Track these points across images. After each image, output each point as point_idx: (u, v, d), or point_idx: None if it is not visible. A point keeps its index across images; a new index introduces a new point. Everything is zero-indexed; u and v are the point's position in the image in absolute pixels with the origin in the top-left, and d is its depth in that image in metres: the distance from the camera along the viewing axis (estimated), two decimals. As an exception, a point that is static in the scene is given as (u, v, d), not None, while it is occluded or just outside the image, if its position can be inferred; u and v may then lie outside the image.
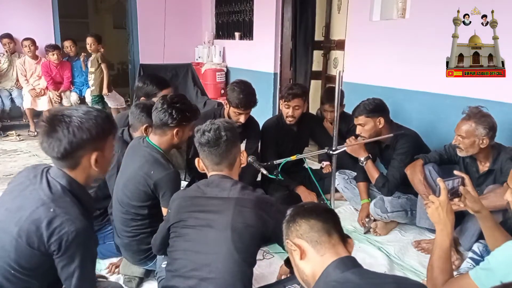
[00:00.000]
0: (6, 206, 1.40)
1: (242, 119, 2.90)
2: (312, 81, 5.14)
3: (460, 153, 2.42)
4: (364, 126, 2.80)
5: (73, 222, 1.31)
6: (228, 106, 2.93)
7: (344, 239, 1.24)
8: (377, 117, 2.77)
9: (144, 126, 2.32)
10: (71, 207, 1.34)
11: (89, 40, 5.27)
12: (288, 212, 1.29)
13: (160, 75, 3.39)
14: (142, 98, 2.84)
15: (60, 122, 1.36)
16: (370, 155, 2.88)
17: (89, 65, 5.42)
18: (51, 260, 1.33)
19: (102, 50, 5.52)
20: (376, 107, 2.78)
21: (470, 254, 2.19)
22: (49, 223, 1.29)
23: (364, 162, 2.86)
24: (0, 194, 1.55)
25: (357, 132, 2.86)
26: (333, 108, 3.40)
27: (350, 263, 1.17)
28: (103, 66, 5.26)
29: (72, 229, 1.30)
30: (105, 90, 5.33)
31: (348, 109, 3.08)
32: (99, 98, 5.39)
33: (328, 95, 3.51)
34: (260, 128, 3.32)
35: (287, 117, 3.14)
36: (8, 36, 5.36)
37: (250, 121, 3.11)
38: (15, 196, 1.40)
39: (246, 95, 2.85)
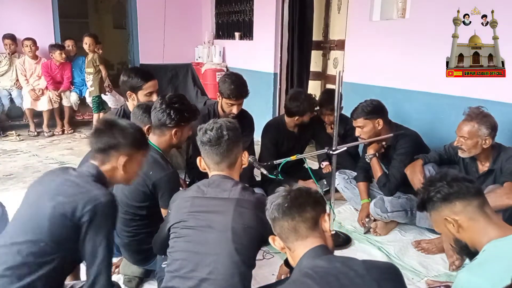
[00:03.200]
0: (38, 189, 1.59)
1: (234, 110, 2.92)
2: (312, 82, 5.14)
3: (462, 155, 2.41)
4: (363, 128, 2.80)
5: (105, 195, 1.51)
6: (220, 98, 2.96)
7: None
8: (375, 118, 2.78)
9: (147, 127, 2.32)
10: (100, 186, 1.56)
11: (87, 40, 5.25)
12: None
13: (143, 68, 3.36)
14: (128, 92, 2.80)
15: (110, 126, 1.65)
16: (376, 153, 2.89)
17: (85, 65, 5.42)
18: (78, 233, 1.48)
19: (100, 51, 5.53)
20: (374, 109, 2.78)
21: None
22: (85, 196, 1.49)
23: (370, 159, 2.87)
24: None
25: (356, 134, 2.86)
26: (330, 111, 3.42)
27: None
28: (101, 67, 5.25)
29: (105, 200, 1.49)
30: (103, 91, 5.34)
31: (347, 110, 3.08)
32: (99, 99, 5.39)
33: (326, 98, 3.49)
34: (262, 126, 3.33)
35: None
36: (11, 37, 5.36)
37: (244, 115, 3.12)
38: (46, 183, 1.60)
39: (237, 86, 2.89)
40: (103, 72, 5.28)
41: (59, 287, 1.60)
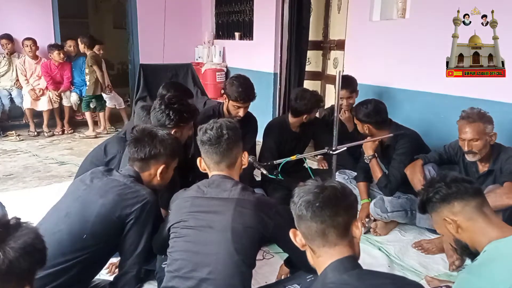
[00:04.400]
0: (85, 186, 1.72)
1: (241, 112, 2.91)
2: (312, 81, 5.14)
3: (473, 158, 2.39)
4: (358, 126, 2.93)
5: (150, 194, 1.67)
6: (227, 100, 2.95)
7: None
8: (364, 123, 2.84)
9: None
10: (144, 186, 1.72)
11: (78, 40, 5.37)
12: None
13: (185, 85, 3.43)
14: None
15: (150, 136, 1.76)
16: (376, 153, 2.89)
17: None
18: (121, 228, 1.64)
19: (101, 51, 5.52)
20: (364, 115, 2.82)
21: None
22: (134, 195, 1.65)
23: (369, 160, 2.87)
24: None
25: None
26: (349, 94, 3.45)
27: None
28: (94, 67, 5.22)
29: (152, 199, 1.66)
30: (98, 91, 5.32)
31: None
32: (91, 98, 5.35)
33: (342, 82, 3.51)
34: (263, 126, 3.32)
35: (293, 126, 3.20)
36: (6, 37, 5.36)
37: (249, 117, 3.11)
38: (92, 181, 1.72)
39: (245, 89, 2.87)
40: (97, 73, 5.25)
41: (89, 279, 1.75)
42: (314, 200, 1.15)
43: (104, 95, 5.61)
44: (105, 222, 1.62)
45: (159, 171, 1.79)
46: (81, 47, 5.31)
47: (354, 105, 2.97)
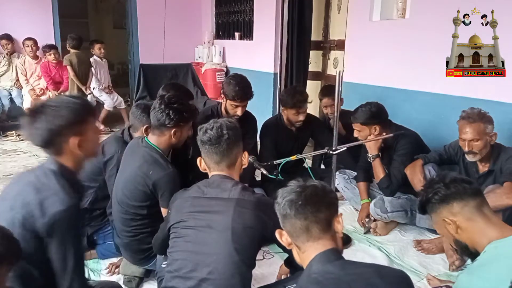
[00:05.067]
0: (7, 196, 1.46)
1: (239, 111, 2.91)
2: (312, 81, 5.14)
3: (473, 158, 2.39)
4: (360, 132, 2.85)
5: (62, 202, 1.35)
6: (225, 99, 2.95)
7: None
8: (372, 125, 2.80)
9: (145, 126, 2.32)
10: (60, 188, 1.39)
11: None
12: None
13: (185, 86, 3.43)
14: None
15: (38, 112, 1.40)
16: (380, 153, 2.87)
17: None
18: (42, 244, 1.36)
19: (102, 50, 5.53)
20: (371, 116, 2.79)
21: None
22: (40, 205, 1.35)
23: (372, 159, 2.87)
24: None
25: (355, 135, 2.89)
26: (332, 102, 3.43)
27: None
28: (68, 68, 5.23)
29: (62, 208, 1.34)
30: (74, 92, 5.29)
31: (348, 107, 3.11)
32: None
33: (325, 90, 3.59)
34: (260, 127, 3.32)
35: (296, 122, 3.16)
36: (6, 37, 5.36)
37: (248, 116, 3.12)
38: (12, 187, 1.47)
39: (242, 87, 2.88)
40: (70, 73, 5.24)
41: None
42: (296, 198, 1.21)
43: (102, 96, 5.61)
44: (21, 240, 1.29)
45: (74, 145, 1.42)
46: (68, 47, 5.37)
47: (354, 110, 2.94)
